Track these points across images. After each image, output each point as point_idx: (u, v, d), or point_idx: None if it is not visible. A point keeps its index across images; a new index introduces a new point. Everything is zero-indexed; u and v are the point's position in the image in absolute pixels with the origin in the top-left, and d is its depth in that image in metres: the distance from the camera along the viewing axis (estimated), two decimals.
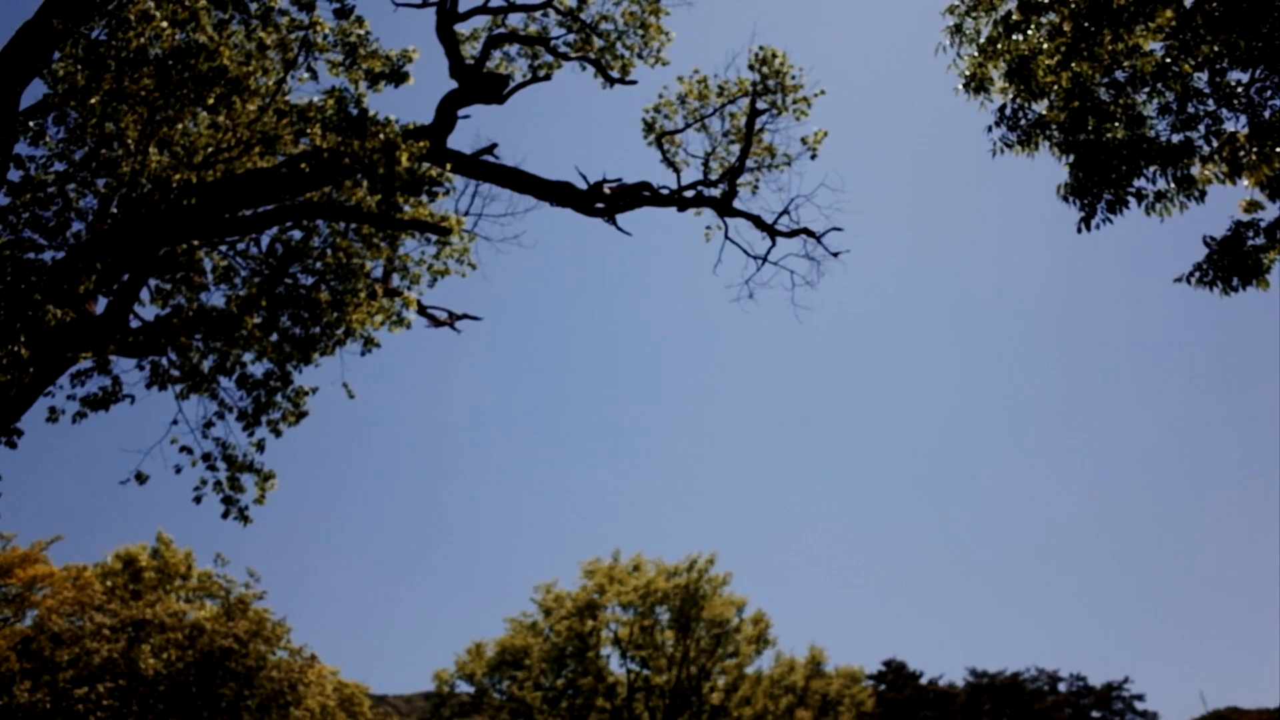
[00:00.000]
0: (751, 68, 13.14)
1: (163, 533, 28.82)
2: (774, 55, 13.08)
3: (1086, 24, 8.14)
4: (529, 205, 12.55)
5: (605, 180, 12.24)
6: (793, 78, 13.11)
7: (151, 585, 27.24)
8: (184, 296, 11.01)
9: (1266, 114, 8.37)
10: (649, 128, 13.55)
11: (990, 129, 9.30)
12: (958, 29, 9.14)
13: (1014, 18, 8.64)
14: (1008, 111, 9.06)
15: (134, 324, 10.43)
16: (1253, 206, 8.98)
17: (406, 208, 10.12)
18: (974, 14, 9.00)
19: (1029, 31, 8.64)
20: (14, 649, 23.48)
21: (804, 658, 37.78)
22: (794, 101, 13.19)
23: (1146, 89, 8.62)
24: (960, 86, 9.34)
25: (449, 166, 11.03)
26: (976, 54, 9.08)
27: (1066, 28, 8.36)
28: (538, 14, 12.98)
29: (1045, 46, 8.60)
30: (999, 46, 8.78)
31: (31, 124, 8.99)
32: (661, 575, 35.12)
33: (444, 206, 11.43)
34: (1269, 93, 8.42)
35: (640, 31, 13.11)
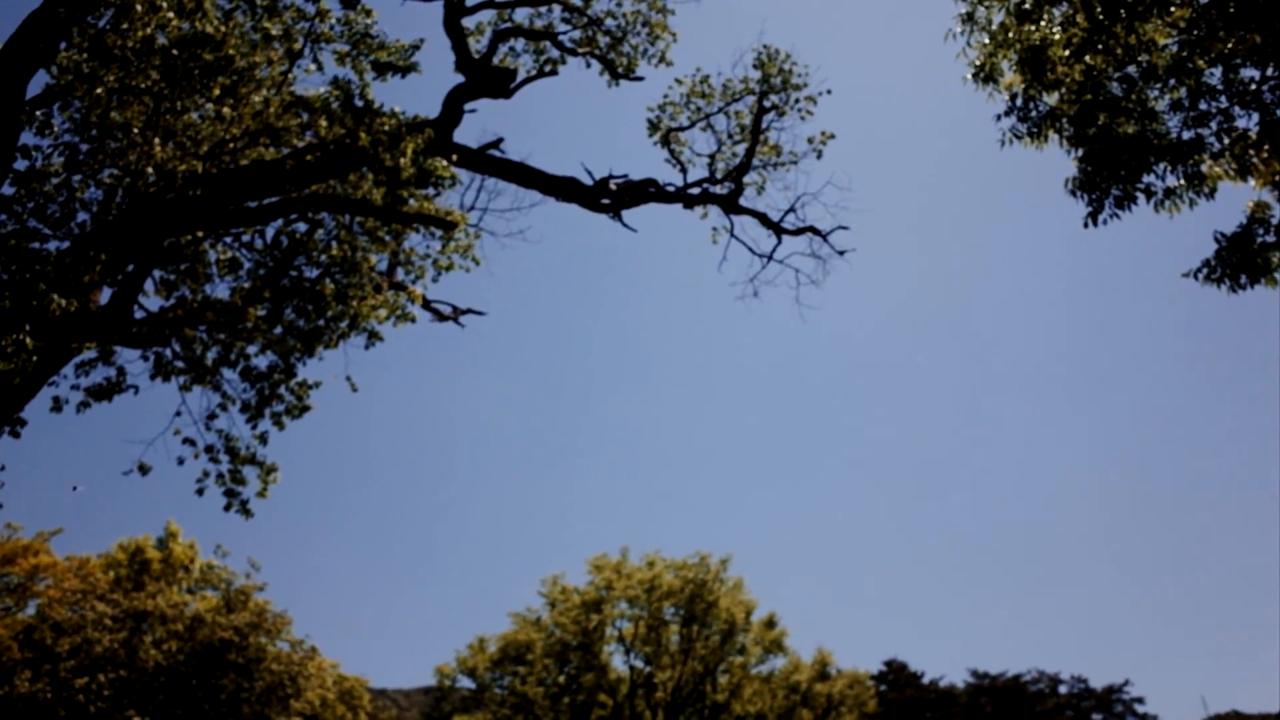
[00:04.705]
0: (757, 67, 13.09)
1: (172, 523, 28.82)
2: (779, 54, 13.04)
3: (1101, 16, 8.05)
4: (534, 200, 12.52)
5: (611, 176, 12.20)
6: (798, 76, 13.07)
7: (156, 576, 27.29)
8: (188, 288, 10.99)
9: (1279, 113, 8.30)
10: (654, 126, 13.49)
11: (999, 118, 9.22)
12: (970, 16, 9.04)
13: (1027, 6, 8.54)
14: (1018, 102, 8.98)
15: (138, 315, 10.43)
16: (1260, 208, 8.92)
17: (412, 201, 10.09)
18: (987, 2, 8.91)
19: (1042, 21, 8.55)
20: (16, 638, 23.55)
21: (811, 659, 37.76)
22: (799, 101, 13.14)
23: (1159, 84, 8.54)
24: (970, 76, 9.24)
25: (455, 159, 10.99)
26: (988, 42, 8.97)
27: (1080, 19, 8.28)
28: (543, 9, 12.94)
29: (1058, 37, 8.50)
30: (1011, 35, 8.68)
31: (38, 113, 8.96)
32: (668, 571, 35.08)
33: (449, 200, 11.41)
34: None
35: (645, 29, 13.07)
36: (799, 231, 13.29)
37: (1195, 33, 8.09)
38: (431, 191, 10.40)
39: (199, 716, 23.63)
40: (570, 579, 35.97)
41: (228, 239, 11.29)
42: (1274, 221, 8.91)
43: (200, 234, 10.84)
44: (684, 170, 13.36)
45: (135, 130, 8.98)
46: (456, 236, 12.05)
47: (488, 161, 11.71)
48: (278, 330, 10.97)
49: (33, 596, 25.41)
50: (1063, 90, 8.82)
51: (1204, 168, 8.67)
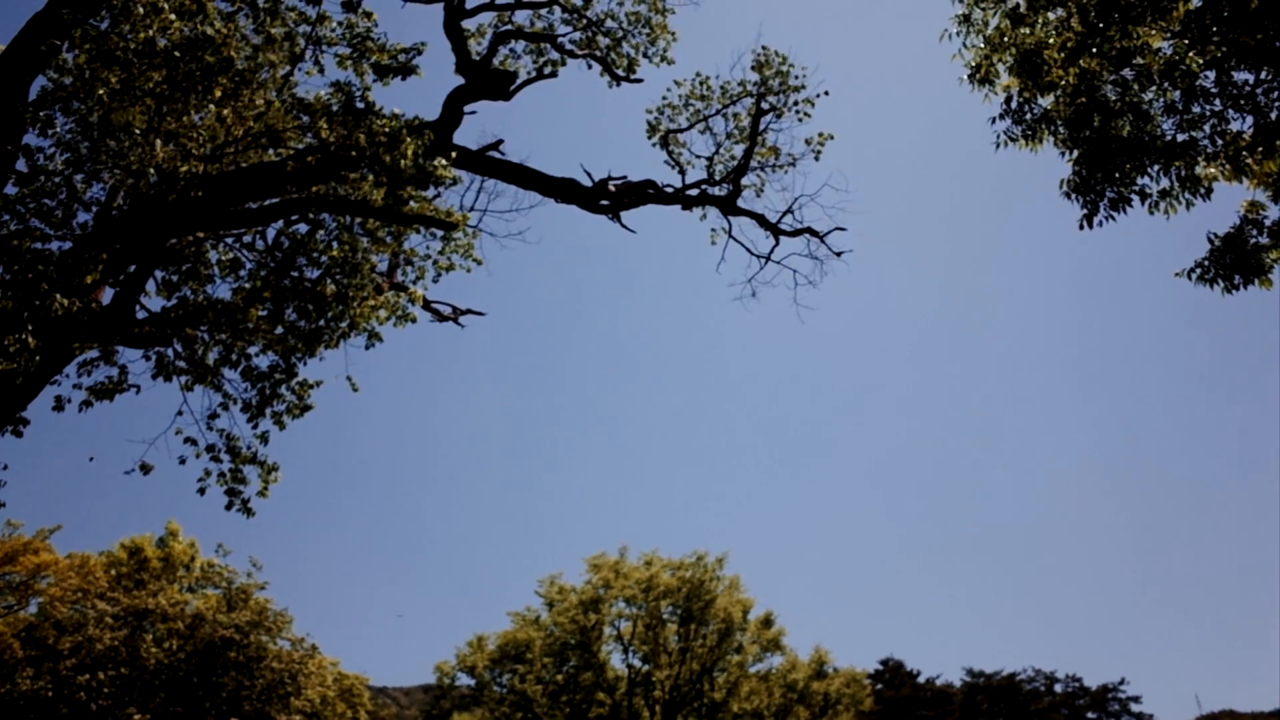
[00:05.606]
0: (755, 69, 13.16)
1: (173, 522, 28.94)
2: (777, 56, 13.10)
3: (1095, 19, 8.13)
4: (534, 201, 12.58)
5: (610, 177, 12.26)
6: (796, 79, 13.14)
7: (156, 574, 27.36)
8: (190, 288, 11.05)
9: (1273, 115, 8.38)
10: (653, 128, 13.56)
11: (994, 120, 9.29)
12: (966, 19, 9.11)
13: (1021, 9, 8.62)
14: (1013, 104, 9.05)
15: (140, 315, 10.49)
16: (1254, 208, 9.00)
17: (412, 202, 10.15)
18: (983, 4, 8.98)
19: (1037, 25, 8.63)
20: (18, 636, 23.61)
21: (808, 658, 37.86)
22: (797, 103, 13.21)
23: (1153, 87, 8.62)
24: (965, 77, 9.29)
25: (454, 156, 11.04)
26: (983, 45, 9.04)
27: (1075, 23, 8.36)
28: (543, 11, 12.99)
29: (1053, 40, 8.58)
30: (1006, 39, 8.76)
31: (41, 114, 9.02)
32: (666, 570, 35.17)
33: (449, 201, 11.48)
34: (1275, 94, 8.42)
35: (645, 30, 13.13)
36: (796, 233, 13.37)
37: (1189, 36, 8.16)
38: (432, 193, 10.46)
39: (200, 714, 23.69)
40: (568, 578, 36.12)
41: (229, 240, 11.35)
42: (1268, 222, 8.99)
43: (201, 235, 10.90)
44: (682, 171, 13.44)
45: (137, 131, 9.03)
46: (456, 237, 12.11)
47: (487, 163, 11.77)
48: (279, 330, 11.03)
49: (34, 595, 25.48)
50: (1058, 93, 8.89)
51: (1198, 169, 8.74)
